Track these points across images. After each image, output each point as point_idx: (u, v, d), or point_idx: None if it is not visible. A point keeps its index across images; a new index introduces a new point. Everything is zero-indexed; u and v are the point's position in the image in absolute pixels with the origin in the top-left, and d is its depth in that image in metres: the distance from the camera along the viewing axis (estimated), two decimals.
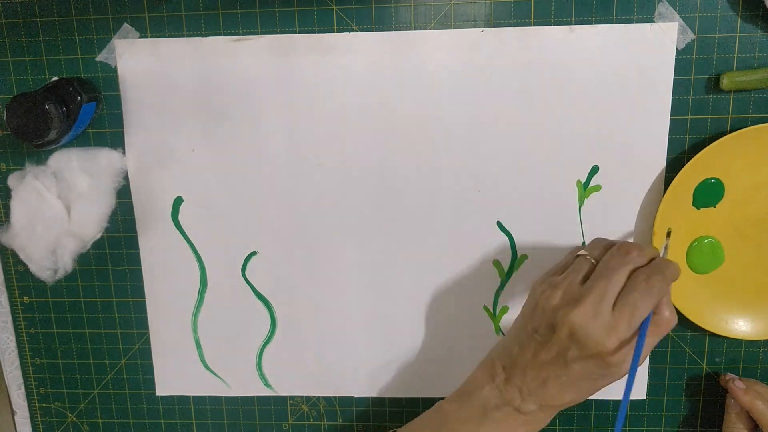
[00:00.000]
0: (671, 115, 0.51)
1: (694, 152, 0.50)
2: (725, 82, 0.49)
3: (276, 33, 0.51)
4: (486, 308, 0.56)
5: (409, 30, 0.50)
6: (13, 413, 0.61)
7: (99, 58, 0.52)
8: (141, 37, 0.52)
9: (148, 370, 0.59)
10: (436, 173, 0.53)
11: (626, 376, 0.42)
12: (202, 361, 0.58)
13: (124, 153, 0.54)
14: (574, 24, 0.50)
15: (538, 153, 0.52)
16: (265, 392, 0.59)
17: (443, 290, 0.55)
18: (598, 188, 0.53)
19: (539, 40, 0.50)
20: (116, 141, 0.54)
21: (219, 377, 0.59)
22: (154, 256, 0.56)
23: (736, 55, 0.50)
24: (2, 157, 0.55)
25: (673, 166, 0.51)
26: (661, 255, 0.47)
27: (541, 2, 0.50)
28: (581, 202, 0.53)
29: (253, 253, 0.56)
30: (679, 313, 0.48)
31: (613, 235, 0.53)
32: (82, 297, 0.58)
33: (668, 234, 0.50)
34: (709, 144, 0.49)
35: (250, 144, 0.53)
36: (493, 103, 0.51)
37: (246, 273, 0.56)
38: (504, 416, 0.44)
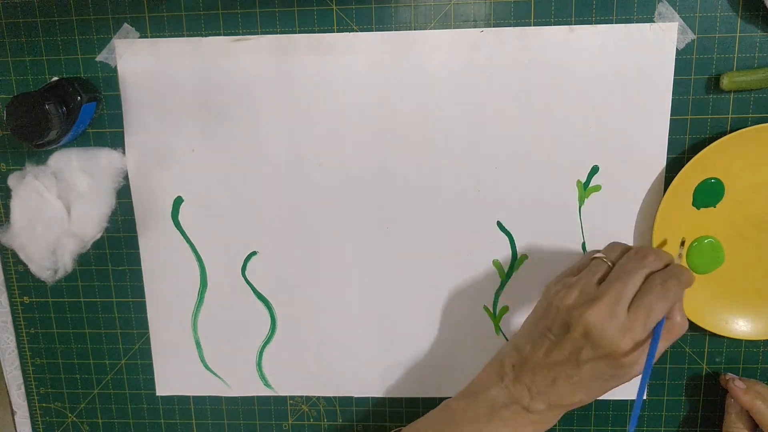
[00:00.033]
0: (671, 115, 0.51)
1: (694, 152, 0.50)
2: (725, 82, 0.49)
3: (276, 33, 0.51)
4: (486, 308, 0.56)
5: (409, 30, 0.50)
6: (13, 413, 0.61)
7: (99, 58, 0.52)
8: (141, 37, 0.52)
9: (148, 370, 0.59)
10: (436, 173, 0.53)
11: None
12: (202, 361, 0.58)
13: (124, 153, 0.54)
14: (574, 24, 0.50)
15: (538, 153, 0.52)
16: (265, 392, 0.59)
17: (443, 290, 0.55)
18: (598, 188, 0.53)
19: (539, 40, 0.50)
20: (116, 141, 0.54)
21: (219, 377, 0.59)
22: (154, 256, 0.56)
23: (736, 55, 0.50)
24: (2, 157, 0.55)
25: (673, 166, 0.51)
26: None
27: (541, 2, 0.50)
28: (581, 202, 0.53)
29: (253, 253, 0.56)
30: None
31: (613, 235, 0.53)
32: (82, 297, 0.58)
33: (682, 243, 0.50)
34: (709, 144, 0.49)
35: (250, 144, 0.53)
36: (493, 103, 0.51)
37: (246, 273, 0.56)
38: (512, 415, 0.44)
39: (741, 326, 0.54)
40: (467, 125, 0.52)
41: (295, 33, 0.51)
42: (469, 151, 0.52)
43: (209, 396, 0.59)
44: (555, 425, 0.46)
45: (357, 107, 0.52)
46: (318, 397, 0.59)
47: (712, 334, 0.54)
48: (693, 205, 0.52)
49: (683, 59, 0.50)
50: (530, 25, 0.50)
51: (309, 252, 0.55)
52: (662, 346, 0.43)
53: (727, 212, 0.52)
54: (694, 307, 0.53)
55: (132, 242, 0.56)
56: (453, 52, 0.50)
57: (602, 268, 0.45)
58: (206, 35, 0.51)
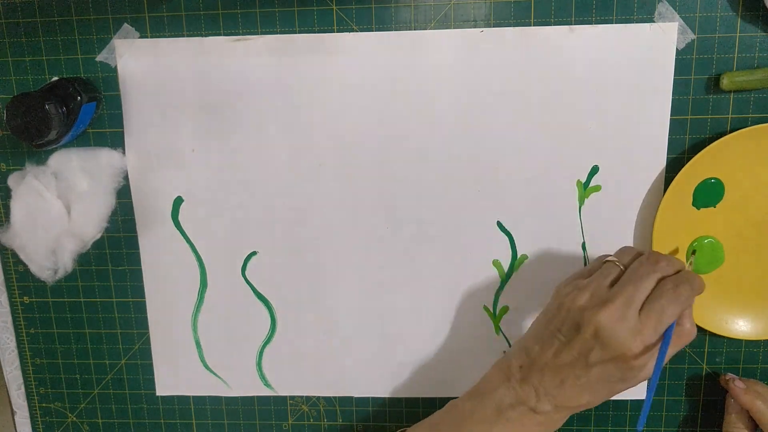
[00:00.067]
0: (671, 115, 0.51)
1: (694, 152, 0.50)
2: (725, 82, 0.49)
3: (276, 33, 0.51)
4: (486, 308, 0.56)
5: (409, 30, 0.50)
6: (13, 413, 0.61)
7: (99, 58, 0.52)
8: (141, 37, 0.52)
9: (148, 370, 0.59)
10: (436, 173, 0.53)
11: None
12: (202, 361, 0.58)
13: (124, 153, 0.54)
14: (574, 24, 0.50)
15: (538, 153, 0.52)
16: (265, 392, 0.59)
17: (443, 290, 0.55)
18: (598, 188, 0.53)
19: (539, 40, 0.50)
20: (116, 141, 0.54)
21: (219, 377, 0.59)
22: (154, 256, 0.56)
23: (736, 55, 0.50)
24: (2, 157, 0.55)
25: (673, 166, 0.51)
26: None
27: (541, 2, 0.50)
28: (581, 202, 0.53)
29: (253, 253, 0.56)
30: None
31: (613, 235, 0.53)
32: (82, 297, 0.58)
33: (693, 252, 0.50)
34: (709, 144, 0.49)
35: (251, 144, 0.53)
36: (493, 103, 0.51)
37: (246, 273, 0.56)
38: (519, 416, 0.44)
39: (741, 326, 0.54)
40: (467, 125, 0.52)
41: (295, 33, 0.51)
42: (469, 151, 0.52)
43: (209, 396, 0.59)
44: None
45: (357, 107, 0.52)
46: (318, 397, 0.59)
47: (712, 334, 0.54)
48: (693, 205, 0.52)
49: (683, 59, 0.50)
50: (530, 25, 0.50)
51: (309, 252, 0.55)
52: (670, 351, 0.43)
53: (727, 212, 0.52)
54: (694, 307, 0.52)
55: (132, 242, 0.56)
56: (453, 52, 0.50)
57: (614, 271, 0.45)
58: (206, 35, 0.51)
